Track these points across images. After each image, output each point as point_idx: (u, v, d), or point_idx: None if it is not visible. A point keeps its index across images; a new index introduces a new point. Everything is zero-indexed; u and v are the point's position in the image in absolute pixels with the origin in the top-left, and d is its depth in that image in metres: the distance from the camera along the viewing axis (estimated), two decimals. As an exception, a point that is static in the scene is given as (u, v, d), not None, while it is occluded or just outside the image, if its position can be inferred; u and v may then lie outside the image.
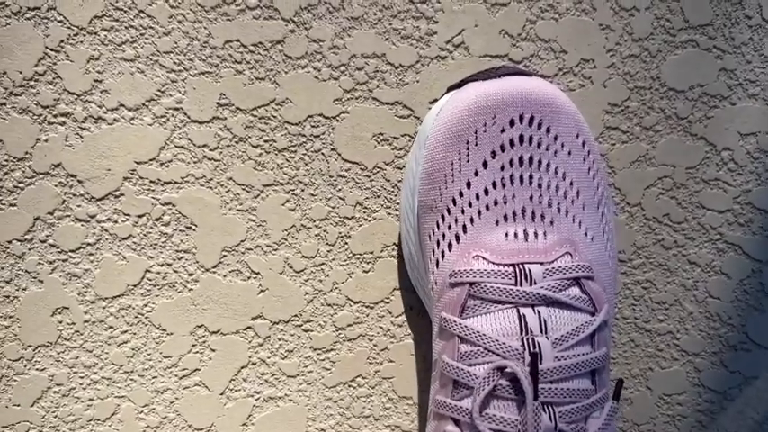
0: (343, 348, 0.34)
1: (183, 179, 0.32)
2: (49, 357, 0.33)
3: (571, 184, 0.26)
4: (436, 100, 0.31)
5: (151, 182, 0.32)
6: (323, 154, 0.32)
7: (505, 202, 0.25)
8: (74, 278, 0.32)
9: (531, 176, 0.25)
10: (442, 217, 0.26)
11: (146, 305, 0.33)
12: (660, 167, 0.33)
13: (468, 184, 0.25)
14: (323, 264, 0.33)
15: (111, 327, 0.33)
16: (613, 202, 0.31)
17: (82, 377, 0.33)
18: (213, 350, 0.33)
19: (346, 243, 0.33)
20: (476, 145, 0.25)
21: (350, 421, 0.34)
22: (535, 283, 0.24)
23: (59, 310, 0.32)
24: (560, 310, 0.24)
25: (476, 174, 0.25)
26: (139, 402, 0.33)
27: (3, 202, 0.31)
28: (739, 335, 0.34)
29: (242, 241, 0.32)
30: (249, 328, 0.33)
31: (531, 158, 0.25)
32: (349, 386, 0.34)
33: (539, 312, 0.24)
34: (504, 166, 0.25)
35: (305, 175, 0.32)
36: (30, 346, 0.33)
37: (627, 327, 0.34)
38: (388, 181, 0.32)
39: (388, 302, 0.34)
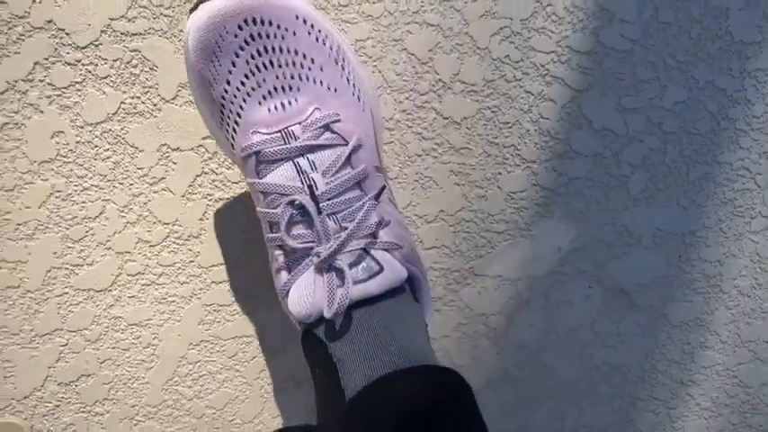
0: (272, 161, 0.46)
1: (146, 31, 0.43)
2: (50, 170, 0.44)
3: (304, 55, 0.33)
4: None
5: (122, 34, 0.43)
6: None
7: (260, 86, 0.33)
8: (66, 109, 0.44)
9: (270, 61, 0.33)
10: (221, 112, 0.34)
11: (122, 129, 0.44)
12: (501, 19, 0.45)
13: (228, 82, 0.33)
14: (254, 96, 0.45)
15: (96, 146, 0.45)
16: (355, 55, 0.37)
17: (76, 185, 0.45)
18: (175, 163, 0.45)
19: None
20: (221, 53, 0.33)
21: (280, 216, 0.47)
22: (298, 139, 0.33)
23: (56, 133, 0.44)
24: (322, 151, 0.33)
25: (230, 72, 0.33)
26: (120, 203, 0.45)
27: (9, 50, 0.43)
28: (564, 146, 0.48)
29: (192, 79, 0.44)
30: (201, 145, 0.45)
31: (265, 48, 0.32)
32: (278, 190, 0.46)
33: (307, 158, 0.33)
34: (249, 61, 0.33)
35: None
36: (35, 161, 0.44)
37: (481, 142, 0.47)
38: None
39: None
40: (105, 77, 0.44)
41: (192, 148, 0.46)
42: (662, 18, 0.47)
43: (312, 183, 0.32)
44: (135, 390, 0.48)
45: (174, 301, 0.47)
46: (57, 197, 0.45)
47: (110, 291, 0.47)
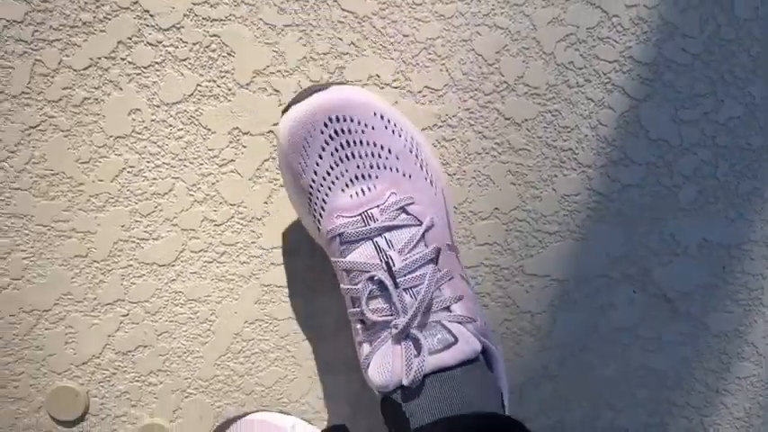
0: (337, 150, 0.47)
1: (227, 17, 0.45)
2: (124, 146, 0.46)
3: (381, 146, 0.38)
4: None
5: (204, 18, 0.45)
6: (327, 4, 0.45)
7: (343, 175, 0.38)
8: (145, 87, 0.45)
9: (352, 153, 0.37)
10: (309, 199, 0.39)
11: (196, 110, 0.46)
12: (568, 27, 0.47)
13: (315, 172, 0.38)
14: (325, 86, 0.46)
15: (170, 125, 0.46)
16: (428, 144, 0.41)
17: (148, 162, 0.46)
18: (244, 146, 0.47)
19: (342, 72, 0.46)
20: (309, 147, 0.38)
21: (340, 204, 0.48)
22: (376, 221, 0.37)
23: (133, 110, 0.46)
24: (398, 231, 0.37)
25: (317, 164, 0.38)
26: (189, 182, 0.47)
27: (95, 27, 0.44)
28: (620, 153, 0.49)
29: (267, 66, 0.46)
30: (270, 131, 0.47)
31: (348, 142, 0.37)
32: (340, 178, 0.48)
33: (385, 237, 0.37)
34: (333, 153, 0.37)
35: (314, 20, 0.46)
36: (111, 136, 0.46)
37: (540, 144, 0.48)
38: (374, 27, 0.46)
39: (370, 118, 0.47)
40: (184, 60, 0.46)
41: (262, 134, 0.47)
42: (723, 35, 0.48)
43: (389, 260, 0.36)
44: (189, 363, 0.50)
45: (233, 280, 0.49)
46: (129, 172, 0.47)
47: (172, 266, 0.49)
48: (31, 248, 0.48)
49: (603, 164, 0.50)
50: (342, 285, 0.38)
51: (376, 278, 0.36)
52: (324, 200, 0.38)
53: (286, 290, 0.50)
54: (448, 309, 0.36)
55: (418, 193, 0.38)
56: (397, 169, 0.38)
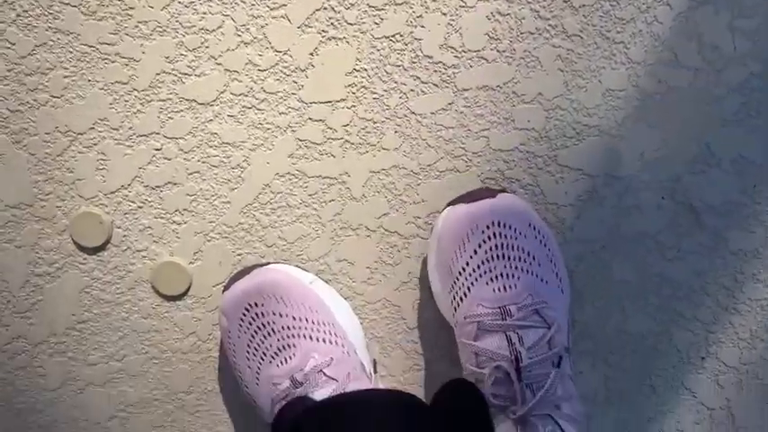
0: (390, 10, 0.47)
1: None
2: (179, -25, 0.45)
3: (528, 252, 0.44)
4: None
5: None
6: None
7: (491, 271, 0.43)
8: None
9: (503, 254, 0.43)
10: (454, 283, 0.45)
11: (255, -53, 0.45)
12: None
13: (467, 263, 0.44)
14: (387, -59, 0.46)
15: (227, -40, 0.45)
16: (561, 254, 0.48)
17: (200, -5, 0.46)
18: (298, -8, 0.46)
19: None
20: (468, 242, 0.44)
21: (386, 67, 0.48)
22: (512, 316, 0.42)
23: (192, -61, 0.45)
24: (529, 330, 0.42)
25: (471, 258, 0.44)
26: (239, 22, 0.47)
27: None
28: (670, 54, 0.49)
29: None
30: (326, -20, 0.46)
31: (501, 244, 0.43)
32: (390, 40, 0.48)
33: (517, 333, 0.41)
34: (487, 251, 0.43)
35: None
36: (167, -37, 0.45)
37: (593, 32, 0.48)
38: None
39: (428, -18, 0.47)
40: None
41: (318, -19, 0.47)
42: (795, -56, 0.47)
43: (518, 354, 0.41)
44: (215, 207, 0.50)
45: (269, 129, 0.49)
46: (180, 2, 0.47)
47: (211, 106, 0.49)
48: (73, 67, 0.47)
49: (653, 62, 0.49)
50: (467, 365, 0.43)
51: (502, 368, 0.40)
52: (468, 287, 0.43)
53: (320, 147, 0.50)
54: (558, 407, 0.40)
55: (550, 298, 0.43)
56: (536, 274, 0.43)
